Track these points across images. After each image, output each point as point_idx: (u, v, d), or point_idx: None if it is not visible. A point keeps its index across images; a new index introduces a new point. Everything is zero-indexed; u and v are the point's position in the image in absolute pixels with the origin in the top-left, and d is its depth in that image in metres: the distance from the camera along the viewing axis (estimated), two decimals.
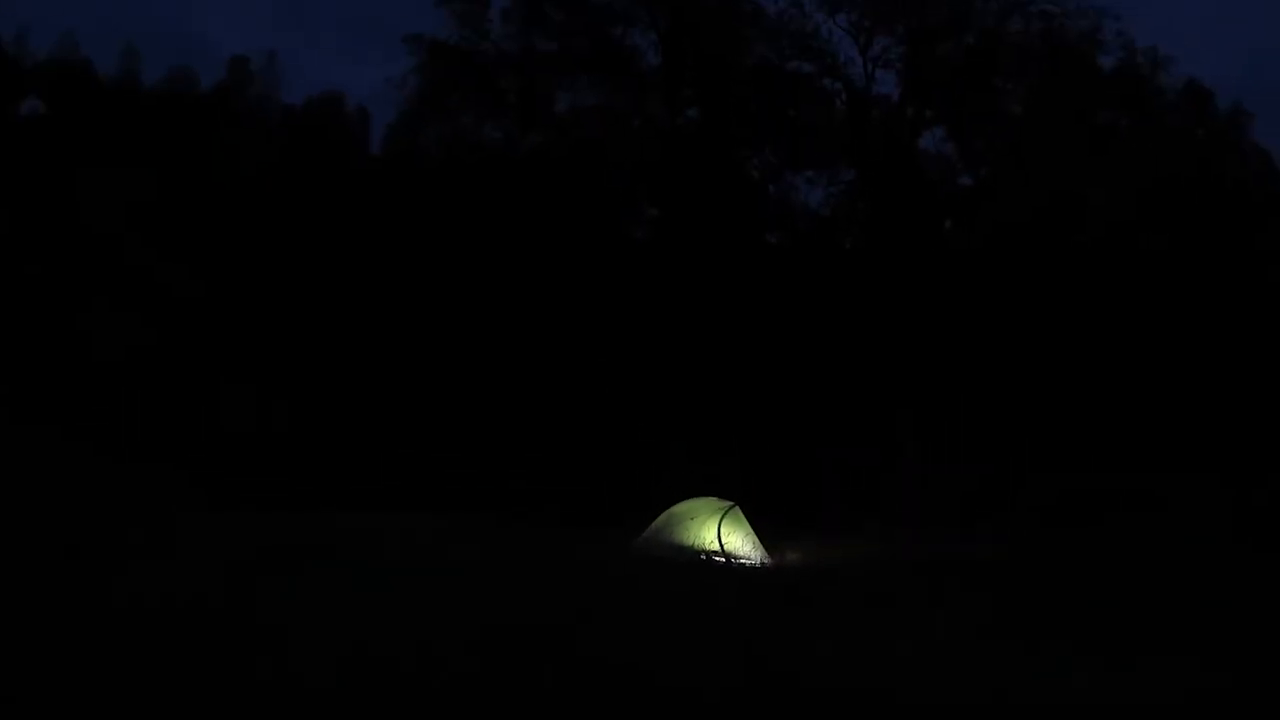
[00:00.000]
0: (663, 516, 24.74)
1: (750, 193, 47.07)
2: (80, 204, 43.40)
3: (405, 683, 10.70)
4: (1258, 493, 33.51)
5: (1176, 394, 39.85)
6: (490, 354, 40.05)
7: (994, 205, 44.59)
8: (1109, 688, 11.72)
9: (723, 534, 23.79)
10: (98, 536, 20.74)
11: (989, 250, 44.15)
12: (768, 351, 40.19)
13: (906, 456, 36.93)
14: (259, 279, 42.74)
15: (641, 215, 49.55)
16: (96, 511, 25.05)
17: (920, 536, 28.52)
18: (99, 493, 29.06)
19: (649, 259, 45.28)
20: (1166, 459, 36.66)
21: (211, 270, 42.13)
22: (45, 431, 34.80)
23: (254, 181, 46.86)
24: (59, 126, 50.96)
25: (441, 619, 13.94)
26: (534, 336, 40.34)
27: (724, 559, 23.47)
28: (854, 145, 44.92)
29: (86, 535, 20.86)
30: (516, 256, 42.56)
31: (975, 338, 40.59)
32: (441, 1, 45.73)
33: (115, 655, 11.23)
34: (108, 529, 22.00)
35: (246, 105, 56.03)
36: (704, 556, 23.50)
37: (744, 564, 23.53)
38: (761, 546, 24.24)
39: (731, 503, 24.55)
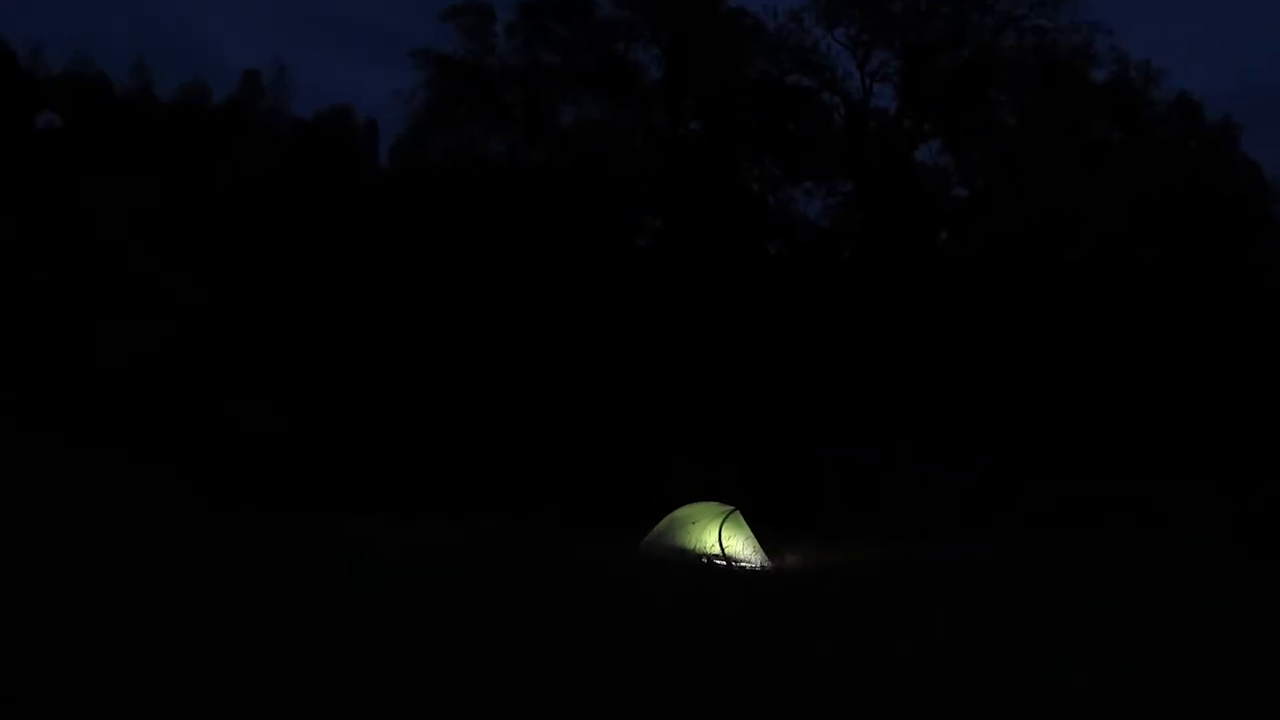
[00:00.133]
0: (665, 521, 24.72)
1: (750, 204, 47.07)
2: (91, 214, 43.32)
3: (405, 682, 10.54)
4: (1254, 499, 33.36)
5: (1171, 402, 39.75)
6: (495, 360, 39.94)
7: (988, 217, 44.54)
8: (1109, 688, 11.60)
9: (724, 538, 23.74)
10: (100, 539, 20.57)
11: (984, 261, 44.08)
12: (768, 359, 40.14)
13: (905, 463, 36.85)
14: (266, 287, 42.63)
15: (644, 226, 49.53)
16: (99, 514, 24.88)
17: (919, 541, 28.39)
18: (102, 496, 28.94)
19: (652, 268, 45.21)
20: (1161, 466, 36.57)
21: (219, 278, 42.01)
22: (51, 437, 34.67)
23: (263, 192, 46.76)
24: (74, 139, 50.89)
25: (441, 619, 13.79)
26: (538, 344, 40.25)
27: (725, 562, 23.41)
28: (852, 157, 44.91)
29: (88, 537, 20.70)
30: (521, 266, 42.48)
31: (972, 348, 40.50)
32: (448, 16, 45.74)
33: (117, 655, 11.08)
34: (110, 531, 21.83)
35: (257, 118, 55.91)
36: (705, 560, 23.46)
37: (745, 567, 23.47)
38: (762, 550, 24.19)
39: (732, 507, 24.50)
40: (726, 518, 24.10)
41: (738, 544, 23.85)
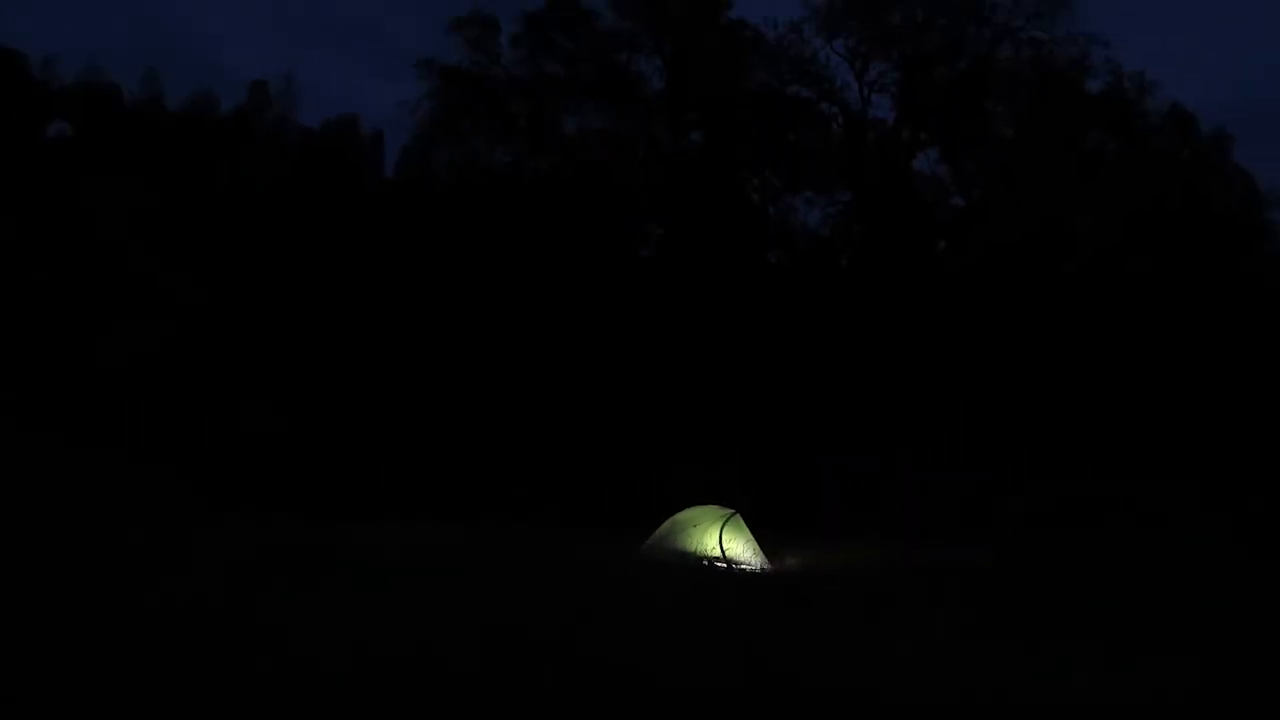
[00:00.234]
0: (666, 524, 24.68)
1: (751, 213, 47.05)
2: (93, 217, 43.31)
3: (406, 682, 10.47)
4: (1252, 500, 33.30)
5: (1167, 406, 39.73)
6: (499, 366, 39.90)
7: (985, 227, 44.52)
8: (1109, 688, 11.50)
9: (724, 540, 23.67)
10: (101, 540, 20.49)
11: (981, 270, 44.05)
12: (768, 365, 40.09)
13: (904, 465, 36.80)
14: (270, 291, 42.60)
15: (646, 235, 49.53)
16: (100, 514, 24.82)
17: (918, 542, 28.29)
18: (102, 496, 28.90)
19: (654, 277, 45.21)
20: (1158, 468, 36.53)
21: (221, 281, 41.99)
22: (52, 437, 34.62)
23: (269, 199, 46.77)
24: (84, 148, 50.93)
25: (442, 619, 13.72)
26: (542, 350, 40.21)
27: (726, 565, 23.32)
28: (851, 167, 44.88)
29: (90, 538, 20.62)
30: (525, 274, 42.46)
31: (969, 353, 40.45)
32: (453, 28, 45.77)
33: (119, 653, 11.07)
34: (112, 532, 21.74)
35: (265, 127, 55.95)
36: (706, 562, 23.39)
37: (745, 569, 23.39)
38: (762, 553, 24.12)
39: (733, 510, 24.45)
40: (727, 521, 24.04)
41: (738, 546, 23.78)
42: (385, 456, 36.77)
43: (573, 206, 44.59)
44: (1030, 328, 41.49)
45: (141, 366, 38.62)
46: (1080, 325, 41.21)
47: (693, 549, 23.73)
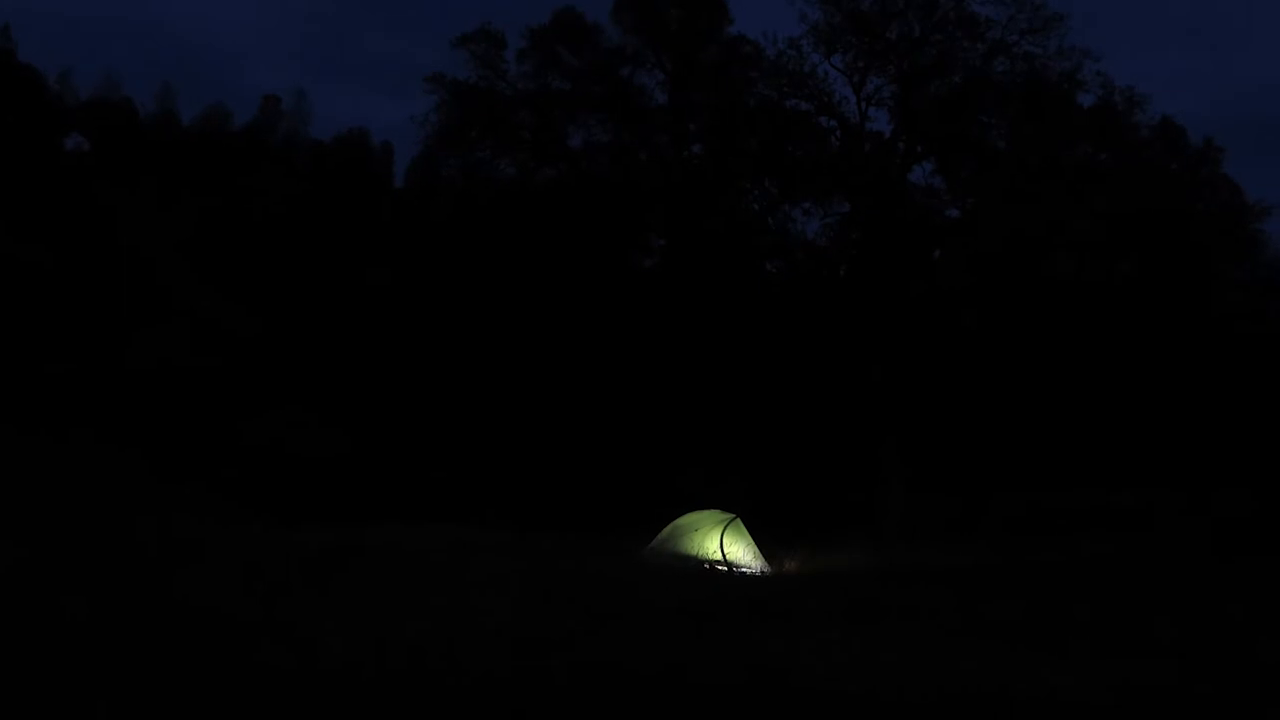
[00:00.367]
0: (668, 528, 24.94)
1: (750, 223, 47.23)
2: (121, 234, 43.61)
3: (423, 682, 10.75)
4: (1224, 505, 33.68)
5: (1150, 415, 40.09)
6: (505, 374, 40.13)
7: (975, 239, 44.72)
8: (1093, 687, 11.77)
9: (725, 544, 23.96)
10: (130, 544, 20.78)
11: (972, 278, 44.28)
12: (768, 371, 40.32)
13: (894, 473, 37.07)
14: (292, 303, 42.86)
15: (649, 245, 49.76)
16: (136, 521, 25.09)
17: (908, 548, 28.55)
18: (142, 504, 29.15)
19: (656, 286, 45.48)
20: (1138, 476, 36.90)
21: (246, 292, 42.25)
22: (71, 442, 34.89)
23: (284, 210, 47.05)
24: (101, 161, 51.23)
25: (452, 622, 13.97)
26: (547, 359, 40.45)
27: (726, 568, 23.60)
28: (848, 179, 45.00)
29: (125, 542, 20.92)
30: (531, 284, 42.71)
31: (960, 360, 40.74)
32: (461, 43, 45.96)
33: (153, 652, 11.28)
34: (144, 537, 22.04)
35: (277, 140, 56.27)
36: (707, 565, 23.66)
37: (745, 572, 23.65)
38: (761, 556, 24.38)
39: (733, 515, 24.73)
40: (728, 525, 24.34)
41: (738, 550, 24.08)
42: (394, 464, 37.01)
43: (577, 217, 44.82)
44: (1019, 336, 41.81)
45: (163, 371, 38.88)
46: (1066, 336, 41.53)
47: (694, 552, 24.03)
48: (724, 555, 23.84)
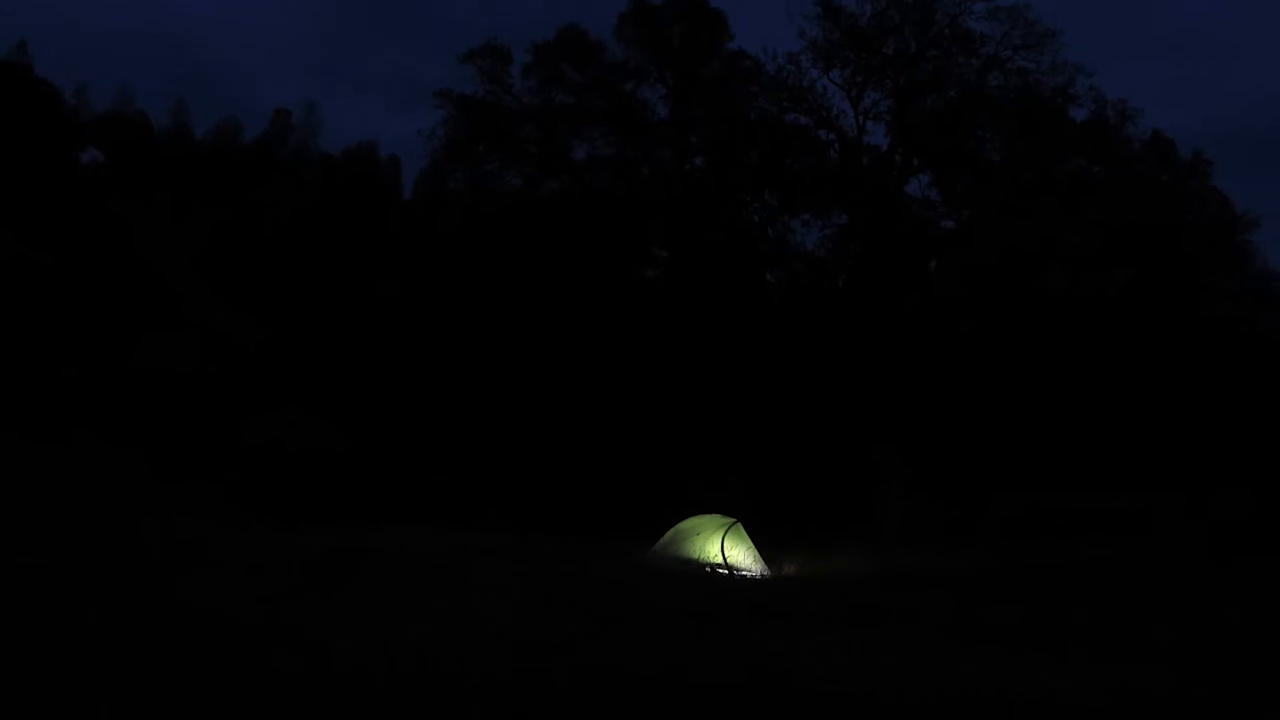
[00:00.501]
0: (670, 532, 24.87)
1: (750, 234, 47.21)
2: (135, 246, 43.60)
3: (429, 683, 10.64)
4: (1222, 507, 33.57)
5: (1145, 419, 40.03)
6: (509, 382, 40.07)
7: (970, 250, 44.68)
8: (1087, 689, 11.60)
9: (726, 548, 23.86)
10: (138, 547, 20.69)
11: (968, 288, 44.25)
12: (768, 378, 40.24)
13: (893, 478, 36.96)
14: (300, 311, 42.82)
15: (651, 255, 49.73)
16: (145, 524, 25.02)
17: (906, 552, 28.41)
18: (151, 506, 29.08)
19: (659, 296, 45.45)
20: (1136, 480, 36.80)
21: (256, 301, 42.21)
22: (106, 452, 34.84)
23: (294, 223, 47.03)
24: (117, 173, 51.24)
25: (456, 625, 13.87)
26: (552, 367, 40.39)
27: (727, 571, 23.50)
28: (846, 191, 44.96)
29: (133, 546, 20.83)
30: (536, 293, 42.68)
31: (957, 368, 40.68)
32: (468, 58, 45.95)
33: (159, 653, 11.22)
34: (152, 540, 21.95)
35: (288, 154, 56.28)
36: (709, 569, 23.56)
37: (745, 576, 23.56)
38: (761, 560, 24.28)
39: (734, 519, 24.65)
40: (729, 529, 24.24)
41: (739, 554, 23.99)
42: (397, 467, 36.92)
43: (582, 228, 44.81)
44: (1016, 343, 41.76)
45: (173, 377, 38.84)
46: (1063, 343, 41.49)
47: (695, 556, 23.94)
48: (725, 559, 23.75)
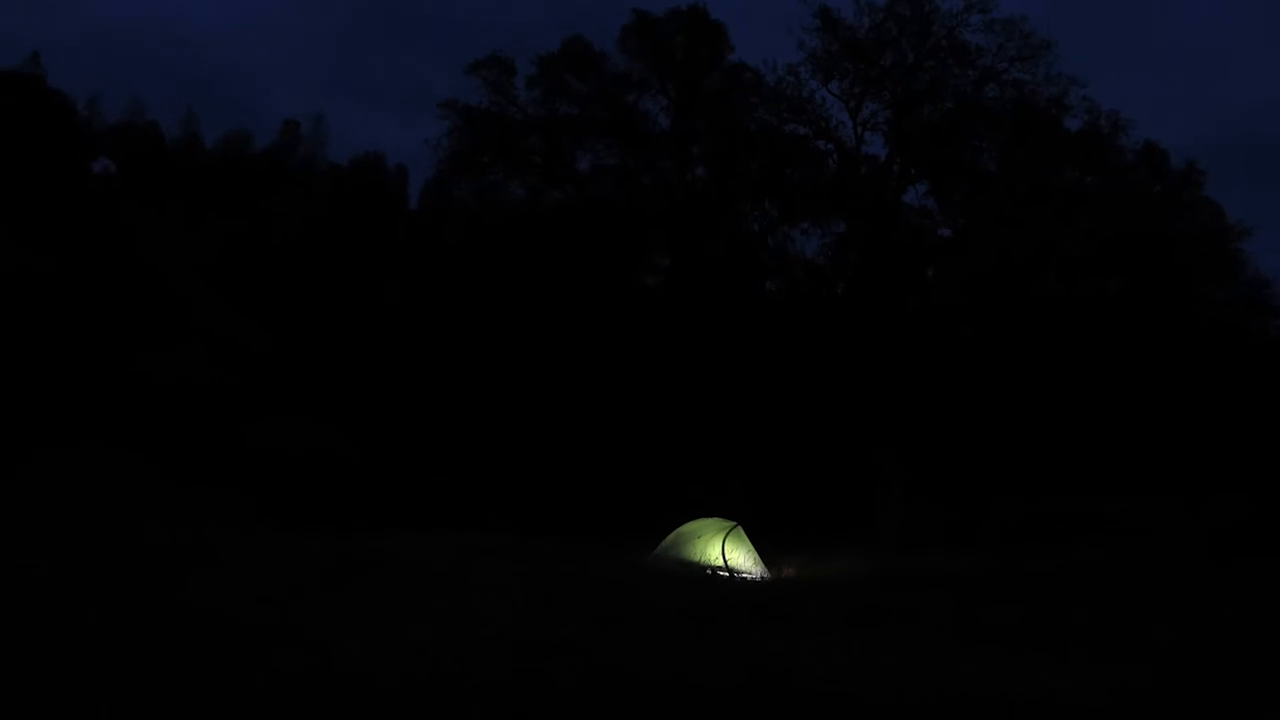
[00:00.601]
0: (672, 535, 24.79)
1: (751, 243, 47.18)
2: (146, 254, 43.54)
3: (436, 684, 10.53)
4: (1219, 510, 33.45)
5: (1141, 425, 39.97)
6: (514, 388, 40.01)
7: (966, 258, 44.62)
8: (1088, 689, 11.47)
9: (726, 551, 23.79)
10: (148, 549, 20.60)
11: (964, 295, 44.20)
12: (769, 384, 40.19)
13: (892, 481, 36.87)
14: (308, 318, 42.76)
15: (654, 264, 49.72)
16: (159, 526, 24.93)
17: (904, 555, 28.27)
18: (160, 510, 29.01)
19: (661, 304, 45.44)
20: (1133, 484, 36.74)
21: (266, 311, 42.14)
22: (93, 446, 34.74)
23: (303, 232, 46.99)
24: (129, 184, 51.21)
25: (461, 627, 13.76)
26: (555, 374, 40.34)
27: (727, 573, 23.39)
28: (845, 200, 44.92)
29: (141, 547, 20.74)
30: (540, 301, 42.64)
31: (954, 374, 40.60)
32: (473, 70, 45.94)
33: (161, 653, 11.14)
34: (161, 543, 21.84)
35: (296, 164, 56.26)
36: (709, 571, 23.48)
37: (746, 578, 23.46)
38: (761, 562, 24.19)
39: (734, 522, 24.57)
40: (729, 532, 24.16)
41: (739, 557, 23.91)
42: (402, 471, 36.85)
43: (585, 237, 44.79)
44: (1014, 349, 41.69)
45: (182, 382, 38.77)
46: (1060, 349, 41.44)
47: (697, 559, 23.85)
48: (725, 561, 23.65)
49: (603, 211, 46.05)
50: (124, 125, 58.38)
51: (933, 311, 43.98)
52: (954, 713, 10.42)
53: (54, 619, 12.70)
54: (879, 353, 40.69)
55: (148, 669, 10.52)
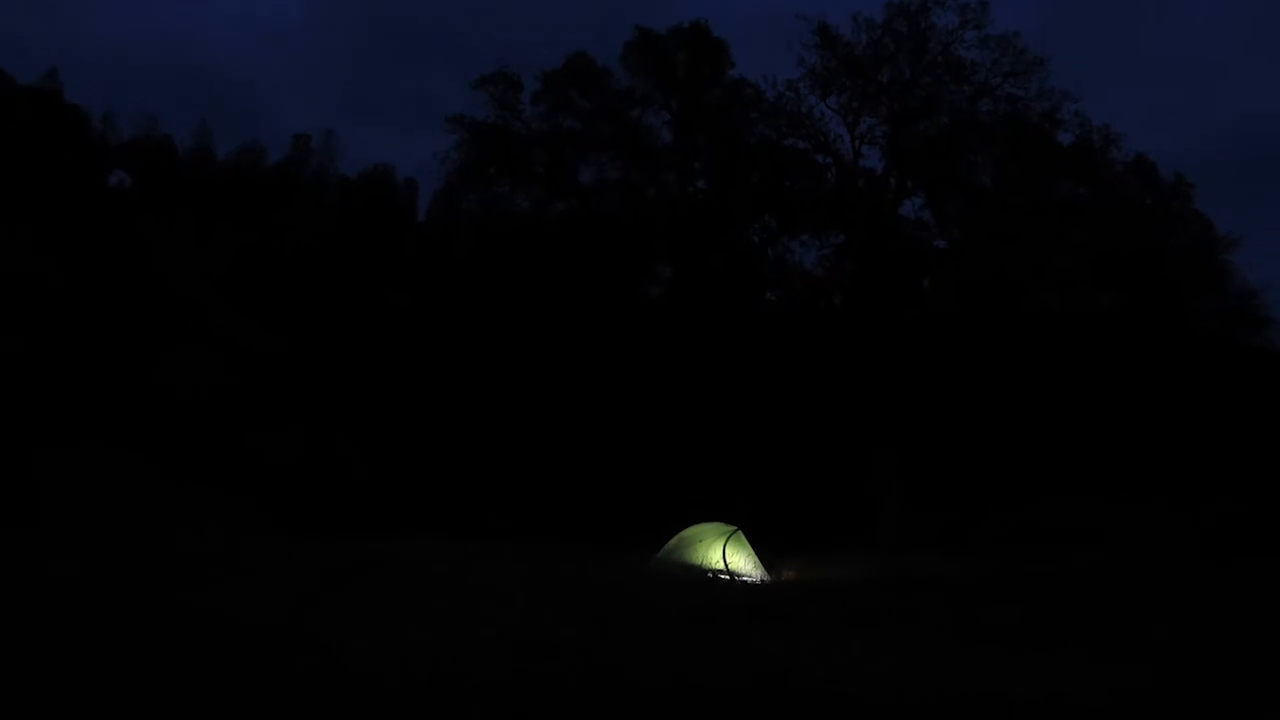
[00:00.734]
0: (674, 539, 24.79)
1: (751, 254, 47.12)
2: (160, 264, 43.52)
3: (443, 685, 10.46)
4: (1212, 515, 33.35)
5: (1133, 431, 39.94)
6: (520, 396, 39.98)
7: (960, 269, 44.56)
8: (1088, 689, 11.37)
9: (727, 555, 23.79)
10: (169, 552, 20.57)
11: (960, 306, 44.15)
12: (769, 391, 40.15)
13: (889, 487, 36.82)
14: (320, 327, 42.72)
15: (656, 275, 49.69)
16: (171, 530, 24.92)
17: (902, 557, 28.20)
18: (173, 513, 28.99)
19: (663, 314, 45.42)
20: (1129, 488, 36.67)
21: (279, 320, 42.11)
22: (138, 463, 34.72)
23: (313, 244, 46.97)
24: (144, 197, 51.22)
25: (470, 630, 13.68)
26: (560, 382, 40.31)
27: (728, 577, 23.36)
28: (843, 213, 44.83)
29: (161, 550, 20.72)
30: (545, 311, 42.63)
31: (949, 383, 40.55)
32: (480, 85, 45.94)
33: (174, 653, 11.06)
34: (178, 546, 21.83)
35: (307, 177, 56.26)
36: (711, 575, 23.45)
37: (746, 581, 23.43)
38: (762, 566, 24.16)
39: (735, 527, 24.55)
40: (730, 537, 24.15)
41: (740, 560, 23.90)
42: (411, 479, 36.78)
43: (589, 249, 44.77)
44: (1010, 357, 41.64)
45: (194, 390, 38.73)
46: (1055, 357, 41.42)
47: (698, 562, 23.84)
48: (726, 565, 23.63)
49: (606, 223, 46.01)
50: (139, 139, 58.49)
51: (929, 321, 43.92)
52: (954, 712, 10.31)
53: (74, 621, 12.69)
54: (876, 361, 40.63)
55: (161, 668, 10.48)
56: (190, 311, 41.74)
